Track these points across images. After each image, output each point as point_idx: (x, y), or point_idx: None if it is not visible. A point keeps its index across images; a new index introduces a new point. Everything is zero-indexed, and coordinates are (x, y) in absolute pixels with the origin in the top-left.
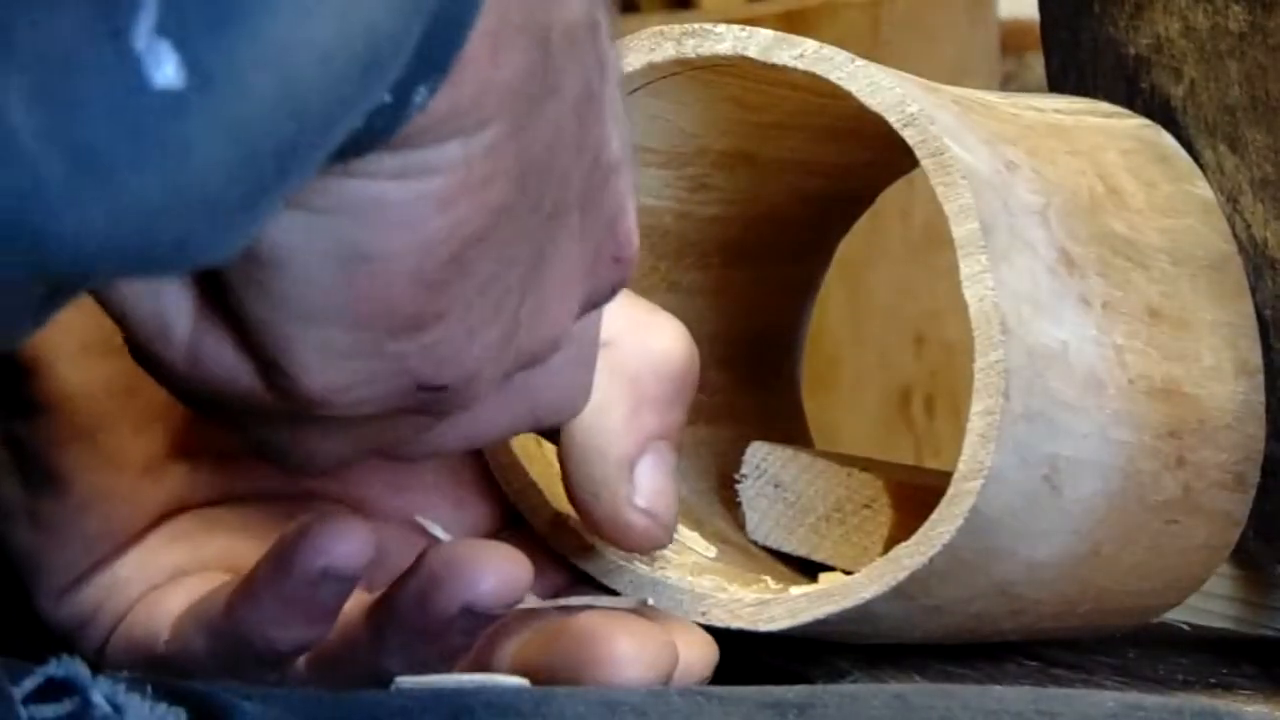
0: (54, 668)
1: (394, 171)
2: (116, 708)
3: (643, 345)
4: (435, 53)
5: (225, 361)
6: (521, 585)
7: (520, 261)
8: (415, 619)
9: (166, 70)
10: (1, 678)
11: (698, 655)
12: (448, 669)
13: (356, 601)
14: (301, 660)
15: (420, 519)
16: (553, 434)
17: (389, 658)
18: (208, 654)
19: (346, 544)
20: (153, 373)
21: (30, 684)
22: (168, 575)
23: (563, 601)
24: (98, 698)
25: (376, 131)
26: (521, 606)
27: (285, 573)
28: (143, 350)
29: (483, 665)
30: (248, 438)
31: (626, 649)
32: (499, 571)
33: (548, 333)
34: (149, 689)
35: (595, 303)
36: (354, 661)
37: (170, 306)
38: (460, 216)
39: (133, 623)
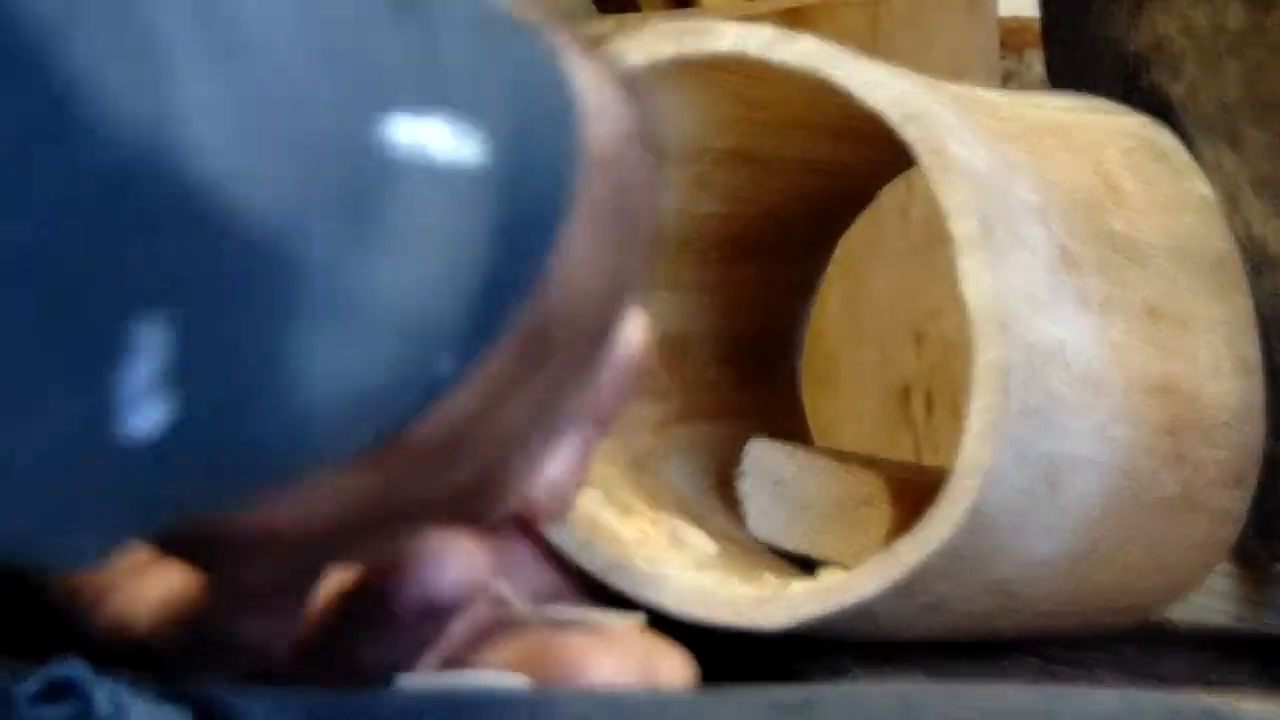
0: (57, 669)
1: None
2: (119, 709)
3: None
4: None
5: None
6: (482, 579)
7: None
8: (379, 608)
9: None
10: (4, 679)
11: (676, 677)
12: (413, 655)
13: (330, 589)
14: (283, 649)
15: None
16: None
17: (361, 647)
18: (185, 640)
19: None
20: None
21: (33, 685)
22: (153, 553)
23: (550, 611)
24: (100, 699)
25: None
26: (508, 612)
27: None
28: None
29: (464, 667)
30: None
31: (602, 671)
32: (459, 565)
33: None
34: (152, 690)
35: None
36: (330, 649)
37: None
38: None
39: (116, 601)
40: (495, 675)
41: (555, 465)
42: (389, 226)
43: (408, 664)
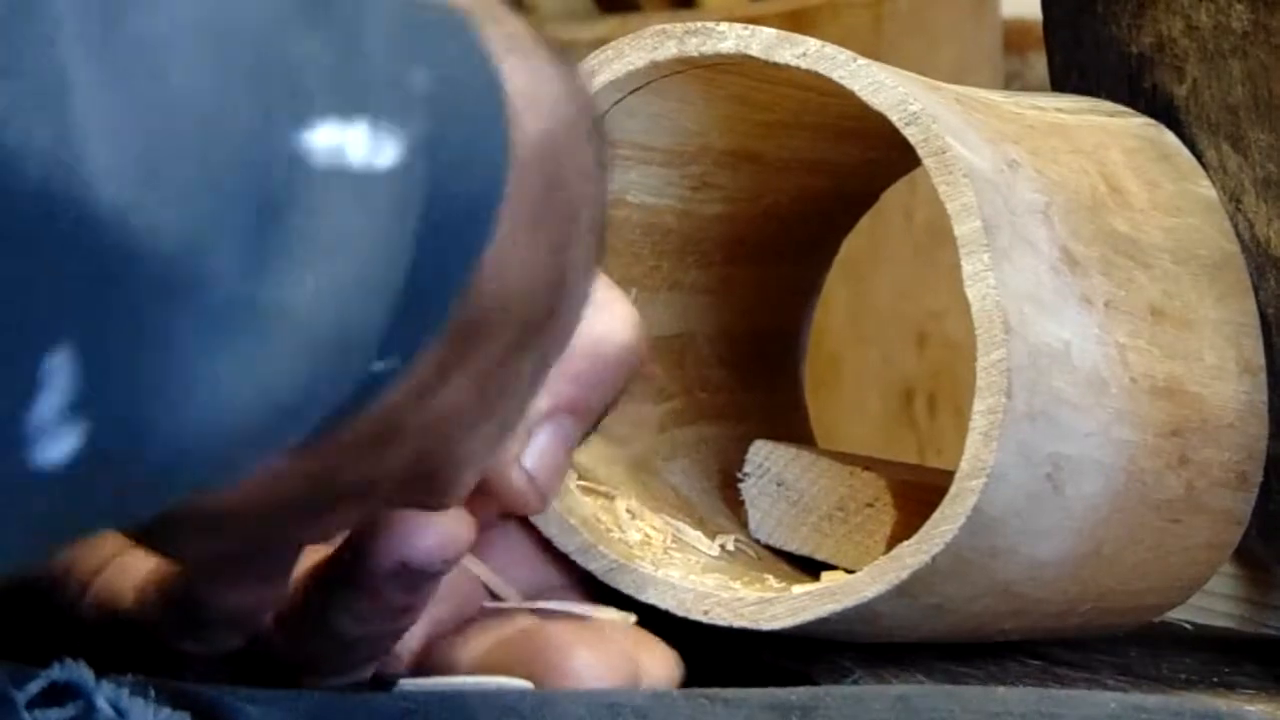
0: (58, 672)
1: None
2: (120, 712)
3: (585, 319)
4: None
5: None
6: (460, 546)
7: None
8: (354, 575)
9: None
10: (5, 682)
11: (661, 672)
12: (393, 627)
13: (311, 561)
14: (266, 622)
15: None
16: None
17: (335, 614)
18: (168, 617)
19: None
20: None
21: (34, 688)
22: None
23: (540, 604)
24: (101, 702)
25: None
26: (499, 605)
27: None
28: None
29: (447, 659)
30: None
31: (584, 662)
32: (437, 531)
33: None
34: (152, 692)
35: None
36: (307, 622)
37: None
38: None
39: (104, 582)
40: (496, 677)
41: (531, 456)
42: (302, 235)
43: (387, 638)
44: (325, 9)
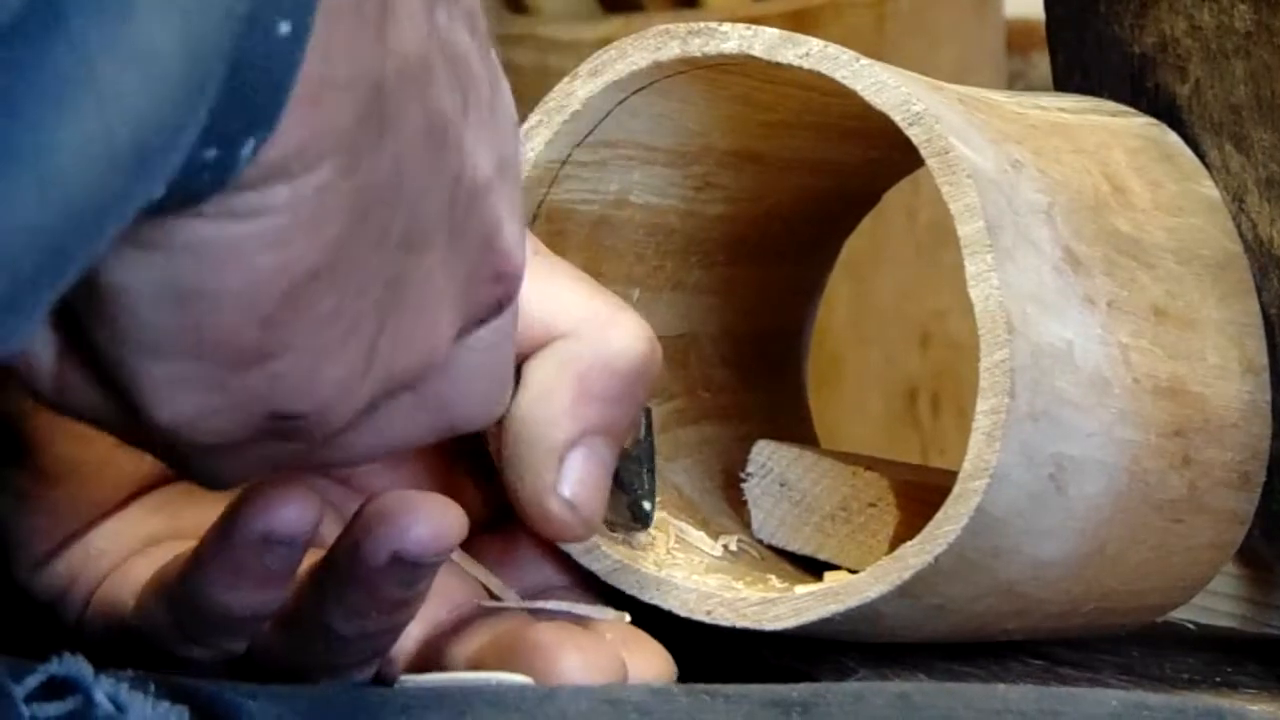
0: (56, 666)
1: (222, 212)
2: (119, 706)
3: (599, 339)
4: (258, 111)
5: (89, 395)
6: (453, 535)
7: (369, 292)
8: (348, 568)
9: None
10: (3, 676)
11: (650, 673)
12: (389, 624)
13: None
14: (266, 626)
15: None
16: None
17: (331, 611)
18: (169, 623)
19: (288, 510)
20: (35, 400)
21: (32, 682)
22: (143, 545)
23: (537, 604)
24: (100, 696)
25: (205, 184)
26: (494, 605)
27: (230, 540)
28: (19, 380)
29: (442, 659)
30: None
31: (572, 663)
32: (429, 521)
33: (416, 356)
34: (152, 687)
35: (480, 319)
36: (304, 622)
37: (35, 341)
38: (291, 255)
39: (106, 592)
40: (496, 674)
41: (569, 483)
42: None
43: (382, 636)
44: None
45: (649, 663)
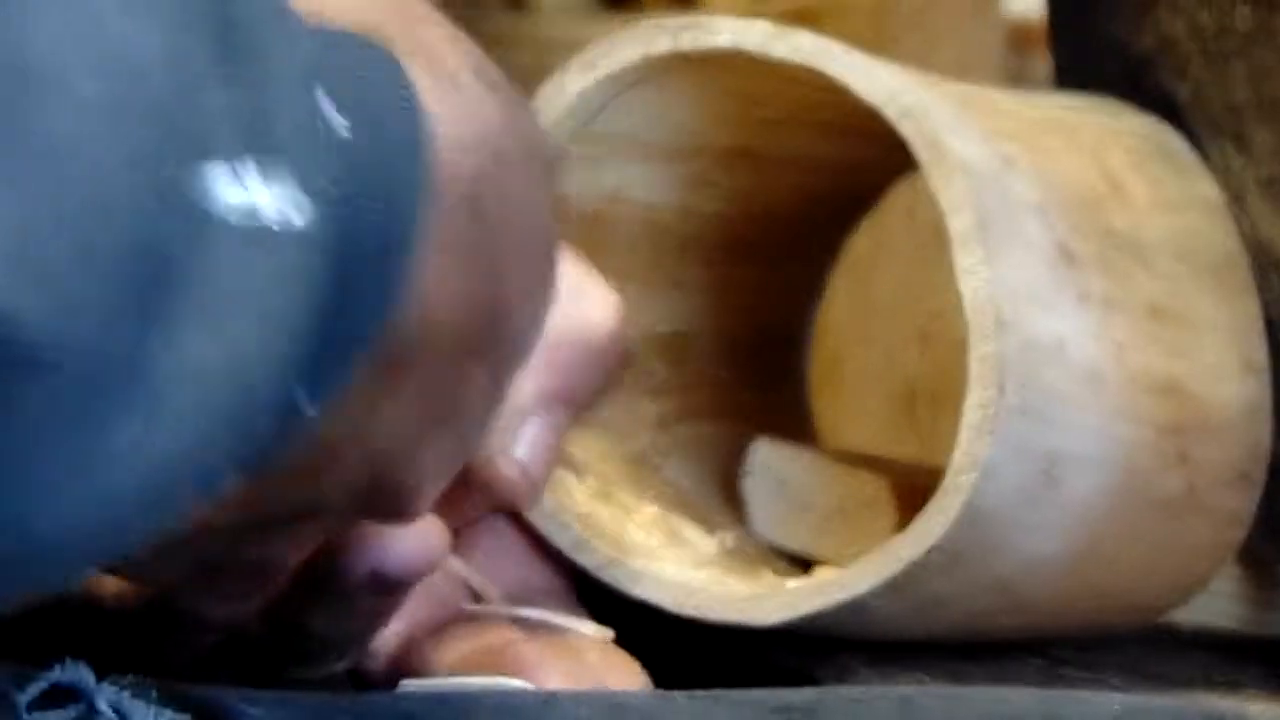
0: (58, 673)
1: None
2: (121, 714)
3: (568, 309)
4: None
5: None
6: (433, 556)
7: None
8: (327, 579)
9: None
10: (6, 683)
11: None
12: (366, 626)
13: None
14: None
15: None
16: None
17: (310, 616)
18: (146, 621)
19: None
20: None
21: (34, 689)
22: None
23: (521, 612)
24: (102, 704)
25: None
26: (478, 609)
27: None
28: None
29: (424, 660)
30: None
31: (551, 682)
32: (409, 541)
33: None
34: (154, 694)
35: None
36: (280, 617)
37: None
38: None
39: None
40: (497, 677)
41: (522, 446)
42: (202, 298)
43: (360, 637)
44: (237, 60)
45: (628, 685)
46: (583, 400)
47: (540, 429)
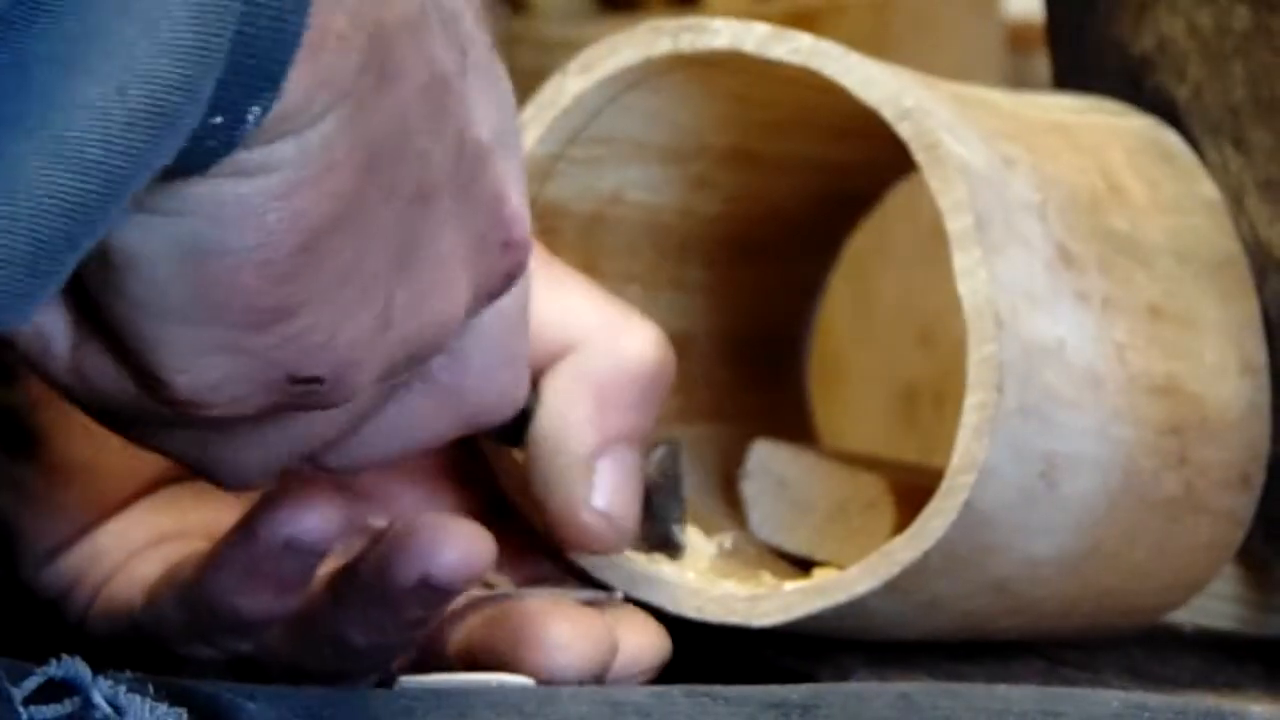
0: (55, 668)
1: (230, 171)
2: (117, 708)
3: (613, 346)
4: (264, 76)
5: (106, 372)
6: (482, 563)
7: (383, 248)
8: (374, 587)
9: None
10: (2, 678)
11: (645, 649)
12: (404, 638)
13: (324, 569)
14: (275, 629)
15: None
16: (519, 435)
17: (349, 626)
18: (180, 622)
19: (311, 517)
20: (50, 387)
21: (31, 684)
22: (149, 544)
23: (530, 591)
24: (98, 698)
25: (213, 149)
26: (486, 592)
27: (251, 543)
28: (33, 365)
29: (434, 647)
30: (171, 457)
31: (560, 635)
32: (459, 547)
33: (433, 320)
34: (150, 689)
35: (490, 292)
36: (317, 629)
37: (48, 320)
38: (301, 207)
39: (112, 590)
40: (497, 674)
41: (601, 494)
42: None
43: (395, 649)
44: None
45: (641, 636)
46: (644, 435)
47: (614, 472)
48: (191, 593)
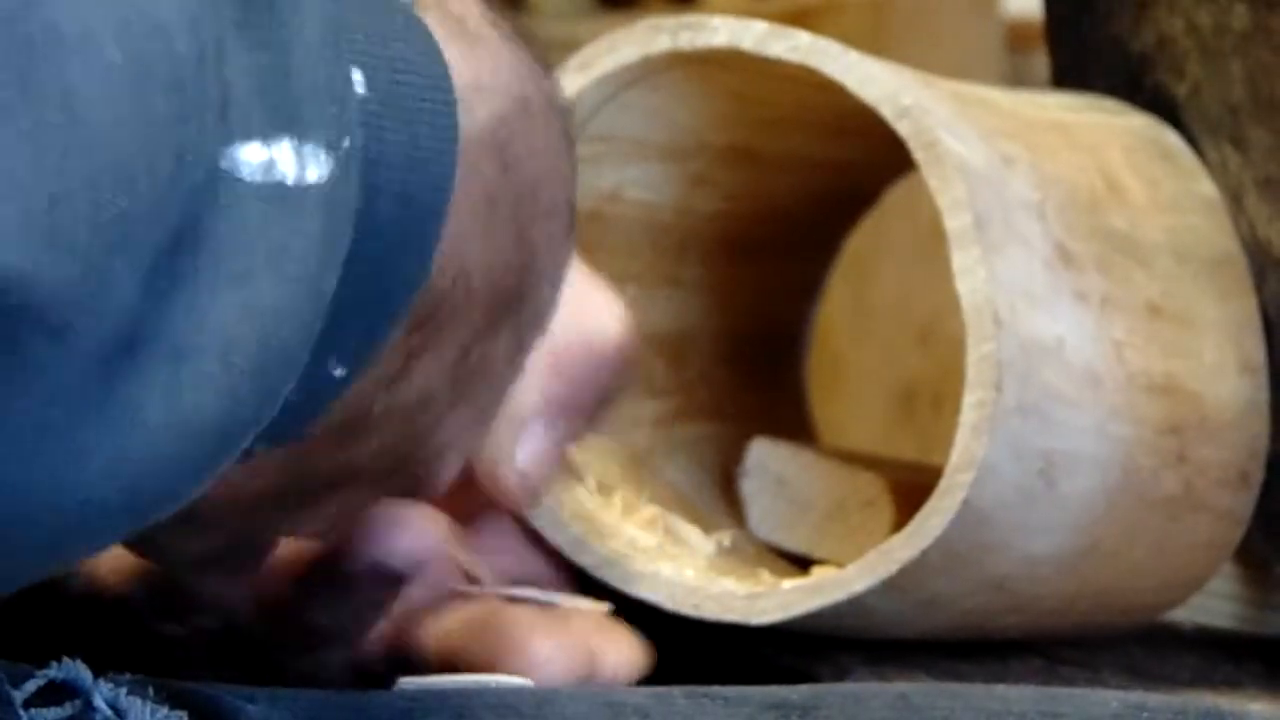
0: (55, 671)
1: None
2: (118, 711)
3: (575, 317)
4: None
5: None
6: (433, 548)
7: None
8: (327, 571)
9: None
10: (2, 681)
11: (623, 665)
12: (365, 617)
13: (287, 551)
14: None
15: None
16: None
17: (312, 610)
18: (146, 600)
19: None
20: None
21: (32, 686)
22: None
23: (513, 591)
24: (99, 701)
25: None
26: (471, 590)
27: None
28: None
29: (415, 638)
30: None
31: (540, 647)
32: (410, 532)
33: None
34: (151, 691)
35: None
36: (280, 606)
37: None
38: None
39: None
40: (496, 676)
41: (524, 454)
42: (222, 257)
43: (361, 628)
44: (257, 21)
45: (621, 652)
46: (588, 409)
47: (543, 438)
48: (155, 573)
